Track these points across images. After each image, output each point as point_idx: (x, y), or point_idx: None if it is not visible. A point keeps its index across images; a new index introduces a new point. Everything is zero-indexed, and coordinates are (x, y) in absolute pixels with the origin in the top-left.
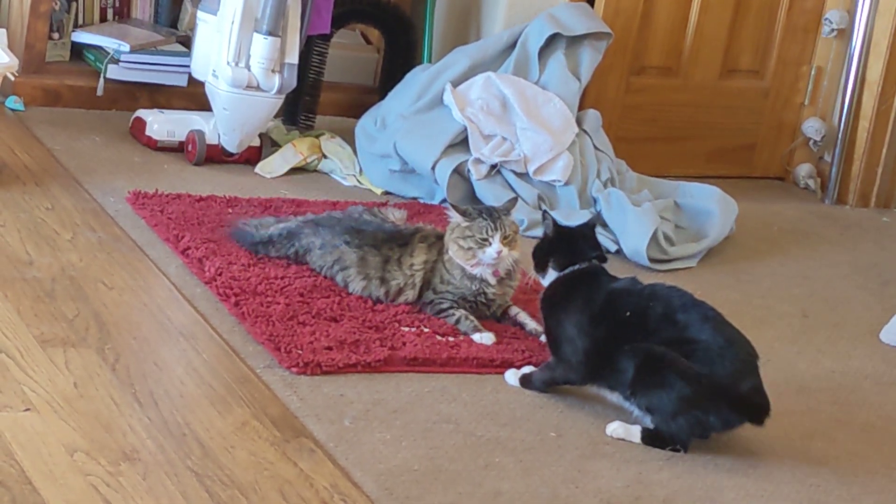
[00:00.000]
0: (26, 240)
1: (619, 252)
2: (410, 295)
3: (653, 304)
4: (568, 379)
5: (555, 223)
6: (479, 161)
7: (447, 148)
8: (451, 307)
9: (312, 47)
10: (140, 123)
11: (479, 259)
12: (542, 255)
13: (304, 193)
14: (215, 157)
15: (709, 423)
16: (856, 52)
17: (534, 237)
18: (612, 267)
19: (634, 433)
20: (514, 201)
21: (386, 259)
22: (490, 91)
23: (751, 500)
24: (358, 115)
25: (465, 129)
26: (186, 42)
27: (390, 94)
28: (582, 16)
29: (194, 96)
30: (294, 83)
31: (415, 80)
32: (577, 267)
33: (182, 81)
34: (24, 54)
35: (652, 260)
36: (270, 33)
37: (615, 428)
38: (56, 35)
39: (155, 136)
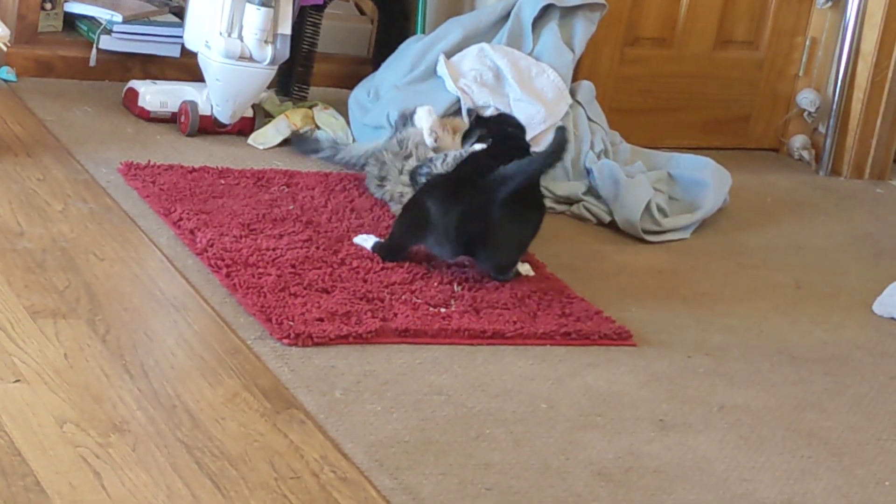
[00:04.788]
0: (17, 211)
1: (612, 223)
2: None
3: None
4: None
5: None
6: None
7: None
8: None
9: (306, 18)
10: (133, 94)
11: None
12: None
13: (297, 165)
14: (208, 128)
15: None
16: (850, 23)
17: None
18: (606, 238)
19: (370, 241)
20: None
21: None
22: (483, 62)
23: (742, 472)
24: (351, 86)
25: (459, 100)
26: (180, 13)
27: (384, 65)
28: None
29: (187, 67)
30: (287, 54)
31: (408, 51)
32: None
33: (175, 52)
34: (16, 25)
35: (645, 231)
36: (263, 4)
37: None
38: (48, 5)
39: (148, 107)
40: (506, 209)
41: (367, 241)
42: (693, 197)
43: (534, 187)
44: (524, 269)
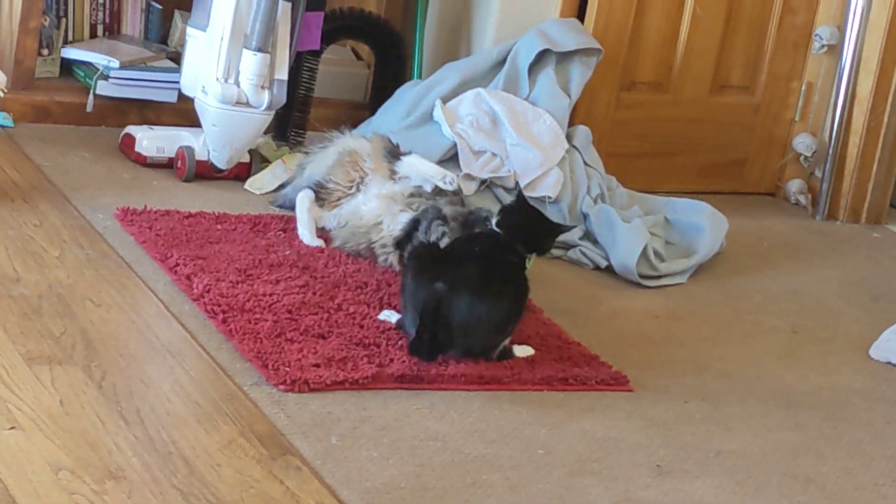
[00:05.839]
0: (14, 256)
1: (608, 268)
2: None
3: None
4: None
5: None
6: (469, 177)
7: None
8: None
9: (302, 63)
10: (129, 140)
11: None
12: None
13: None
14: (205, 173)
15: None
16: (846, 68)
17: None
18: (603, 283)
19: (393, 318)
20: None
21: None
22: (480, 107)
23: None
24: None
25: (455, 146)
26: (176, 58)
27: (380, 110)
28: (572, 31)
29: (184, 112)
30: (284, 99)
31: (405, 96)
32: None
33: (172, 98)
34: (13, 71)
35: (642, 276)
36: (260, 49)
37: (386, 314)
38: (45, 51)
39: (144, 153)
40: (469, 295)
41: (391, 317)
42: (689, 241)
43: (505, 267)
44: (520, 350)
